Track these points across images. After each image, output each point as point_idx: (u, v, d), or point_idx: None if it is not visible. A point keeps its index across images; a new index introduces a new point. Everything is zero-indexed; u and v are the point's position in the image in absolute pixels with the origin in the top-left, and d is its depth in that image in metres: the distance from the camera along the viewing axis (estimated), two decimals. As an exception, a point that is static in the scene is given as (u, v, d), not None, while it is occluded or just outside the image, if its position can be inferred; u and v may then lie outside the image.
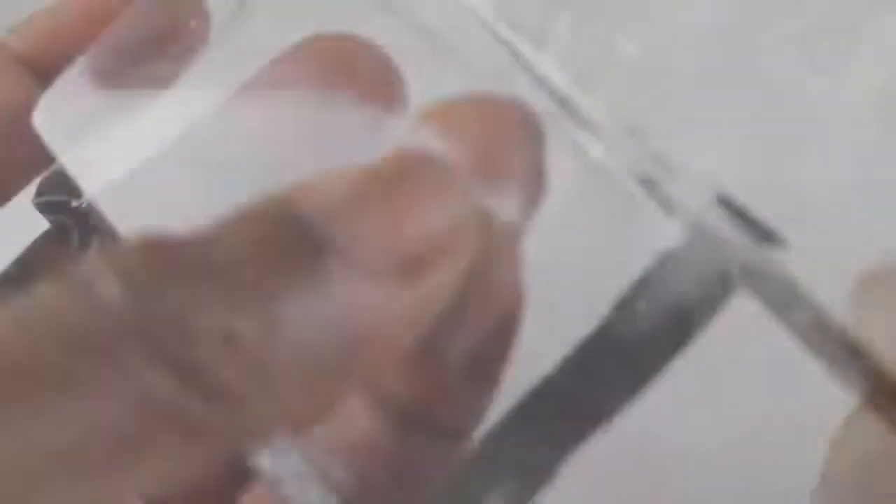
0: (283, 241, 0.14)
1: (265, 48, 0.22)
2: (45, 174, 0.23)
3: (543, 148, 0.16)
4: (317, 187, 0.15)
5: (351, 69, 0.21)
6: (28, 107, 0.21)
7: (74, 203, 0.22)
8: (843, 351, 0.15)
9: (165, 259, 0.14)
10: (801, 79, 0.24)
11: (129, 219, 0.21)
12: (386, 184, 0.15)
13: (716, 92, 0.22)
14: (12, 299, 0.14)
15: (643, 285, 0.16)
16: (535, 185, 0.16)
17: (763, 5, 0.22)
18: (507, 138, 0.16)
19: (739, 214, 0.16)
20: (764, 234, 0.16)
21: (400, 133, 0.17)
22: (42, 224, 0.23)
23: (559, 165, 0.16)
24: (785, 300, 0.15)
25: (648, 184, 0.16)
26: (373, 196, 0.14)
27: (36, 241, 0.24)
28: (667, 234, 0.16)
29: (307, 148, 0.22)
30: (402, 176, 0.15)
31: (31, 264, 0.23)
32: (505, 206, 0.16)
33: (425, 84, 0.22)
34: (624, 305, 0.16)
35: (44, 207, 0.23)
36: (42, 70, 0.23)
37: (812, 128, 0.24)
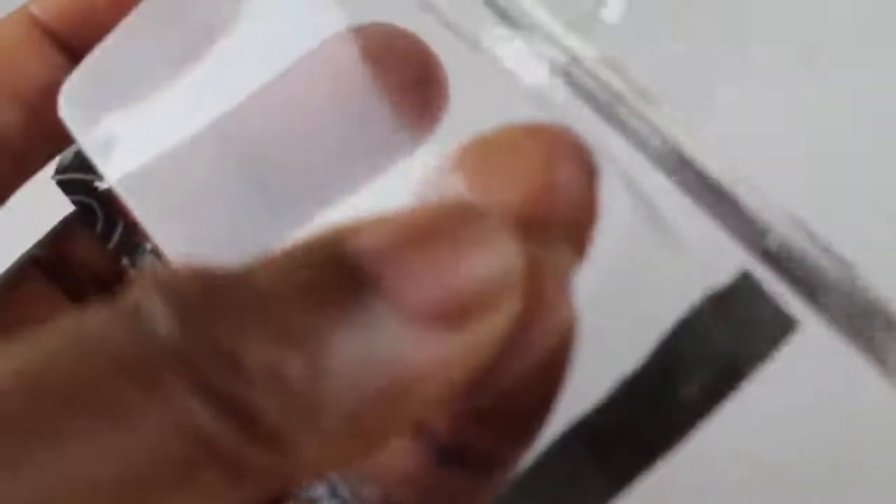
0: (329, 279, 0.14)
1: (297, 35, 0.22)
2: (66, 151, 0.22)
3: (597, 183, 0.16)
4: (366, 228, 0.14)
5: (393, 59, 0.21)
6: (57, 84, 0.21)
7: (98, 184, 0.22)
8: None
9: (214, 290, 0.14)
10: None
11: (152, 207, 0.21)
12: (435, 229, 0.14)
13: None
14: (59, 323, 0.14)
15: (690, 323, 0.16)
16: (587, 222, 0.16)
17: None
18: (562, 176, 0.16)
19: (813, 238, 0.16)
20: (837, 258, 0.16)
21: (446, 146, 0.17)
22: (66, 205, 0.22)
23: (611, 200, 0.16)
24: (861, 318, 0.16)
25: (723, 207, 0.16)
26: (422, 241, 0.14)
27: (61, 223, 0.23)
28: (718, 271, 0.16)
29: (342, 142, 0.21)
30: (451, 222, 0.14)
31: (57, 247, 0.23)
32: (558, 246, 0.16)
33: (465, 85, 0.21)
34: (670, 343, 0.16)
35: (65, 185, 0.22)
36: (72, 47, 0.22)
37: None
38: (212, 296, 0.14)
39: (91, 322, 0.14)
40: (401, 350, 0.14)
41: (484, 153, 0.16)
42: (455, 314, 0.14)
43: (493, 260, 0.14)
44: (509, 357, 0.15)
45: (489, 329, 0.14)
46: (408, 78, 0.21)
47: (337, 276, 0.14)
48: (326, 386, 0.13)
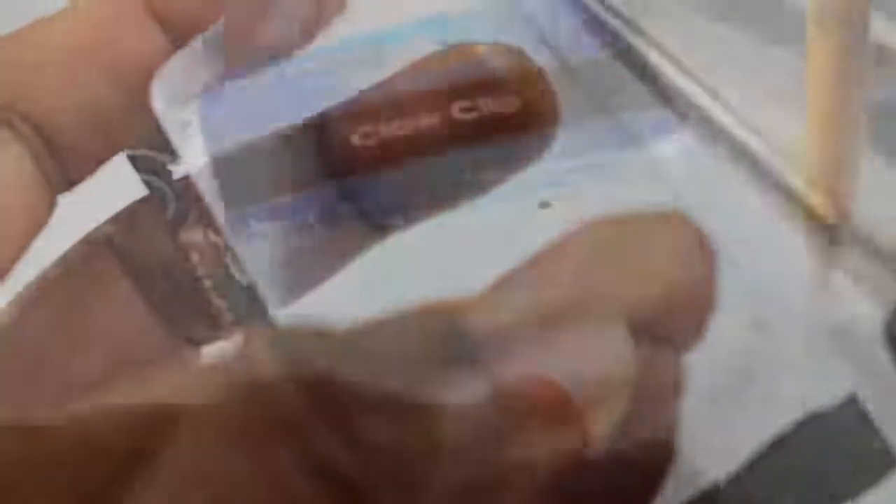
0: (444, 357, 0.13)
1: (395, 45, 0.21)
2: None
3: (716, 276, 0.16)
4: (486, 306, 0.14)
5: (492, 74, 0.20)
6: (157, 65, 0.20)
7: (170, 166, 0.21)
8: None
9: (330, 354, 0.13)
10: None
11: (229, 195, 0.20)
12: (552, 320, 0.14)
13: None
14: (167, 377, 0.13)
15: (789, 439, 0.16)
16: (705, 316, 0.15)
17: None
18: (690, 270, 0.15)
19: None
20: None
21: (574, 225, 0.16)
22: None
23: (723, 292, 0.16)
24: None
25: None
26: (539, 332, 0.14)
27: (135, 203, 0.23)
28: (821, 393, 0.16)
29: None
30: (572, 317, 0.14)
31: (127, 226, 0.22)
32: (674, 343, 0.15)
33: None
34: (766, 456, 0.16)
35: (136, 161, 0.21)
36: (177, 29, 0.21)
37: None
38: (327, 360, 0.13)
39: (201, 382, 0.13)
40: (507, 438, 0.13)
41: (610, 235, 0.16)
42: (563, 410, 0.14)
43: (608, 359, 0.14)
44: (611, 452, 0.15)
45: (595, 426, 0.14)
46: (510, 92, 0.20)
47: (452, 354, 0.13)
48: (438, 468, 0.13)
